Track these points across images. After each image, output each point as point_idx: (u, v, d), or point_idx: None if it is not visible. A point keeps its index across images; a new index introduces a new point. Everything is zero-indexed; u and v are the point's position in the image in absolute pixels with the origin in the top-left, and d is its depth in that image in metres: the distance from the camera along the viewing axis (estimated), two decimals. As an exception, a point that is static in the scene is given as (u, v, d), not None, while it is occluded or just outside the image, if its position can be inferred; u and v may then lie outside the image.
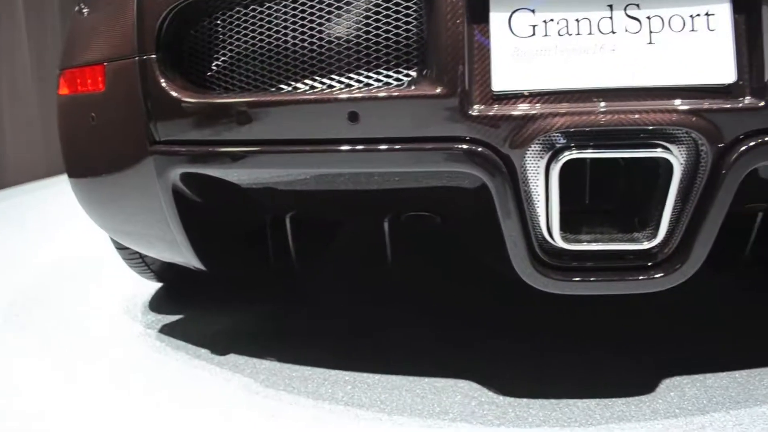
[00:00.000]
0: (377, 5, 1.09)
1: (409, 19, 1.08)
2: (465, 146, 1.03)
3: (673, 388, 1.28)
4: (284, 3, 1.14)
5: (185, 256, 1.38)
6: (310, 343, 1.56)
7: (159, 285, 2.00)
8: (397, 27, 1.09)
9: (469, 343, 1.51)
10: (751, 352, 1.40)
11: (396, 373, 1.38)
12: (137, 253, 1.72)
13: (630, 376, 1.32)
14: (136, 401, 1.32)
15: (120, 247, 1.72)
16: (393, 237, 1.34)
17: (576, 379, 1.32)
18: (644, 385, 1.29)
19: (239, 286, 1.94)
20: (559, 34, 1.02)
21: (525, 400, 1.25)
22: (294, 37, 1.14)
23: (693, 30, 1.02)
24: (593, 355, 1.42)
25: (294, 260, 1.45)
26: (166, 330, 1.68)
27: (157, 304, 1.88)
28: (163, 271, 1.84)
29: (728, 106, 1.01)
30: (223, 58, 1.22)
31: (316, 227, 1.61)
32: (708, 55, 1.01)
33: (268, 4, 1.16)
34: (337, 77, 1.12)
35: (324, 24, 1.12)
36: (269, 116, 1.14)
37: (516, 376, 1.34)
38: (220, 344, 1.56)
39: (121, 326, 1.73)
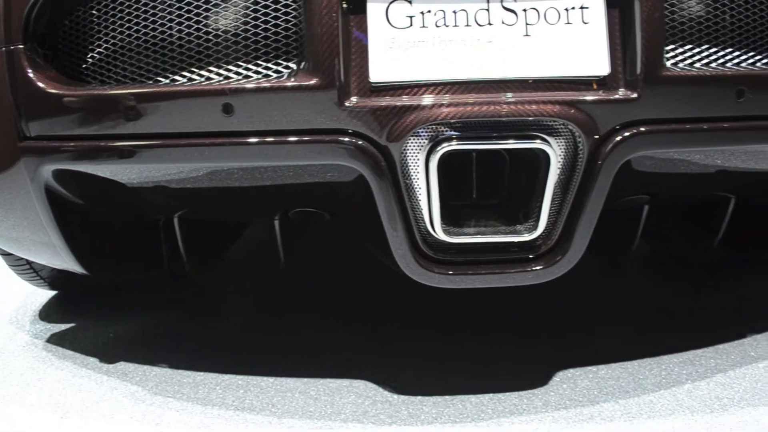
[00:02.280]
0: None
1: (287, 10, 1.05)
2: (342, 138, 1.01)
3: (566, 380, 1.29)
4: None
5: (65, 261, 1.30)
6: (205, 347, 1.50)
7: (53, 293, 1.90)
8: (276, 18, 1.05)
9: (366, 343, 1.49)
10: (643, 343, 1.43)
11: (290, 375, 1.34)
12: (23, 259, 1.62)
13: (525, 370, 1.33)
14: (12, 415, 1.24)
15: (3, 253, 1.62)
16: (285, 236, 1.30)
17: (471, 374, 1.32)
18: (538, 379, 1.29)
19: (137, 291, 1.86)
20: (437, 26, 1.01)
21: (419, 397, 1.24)
22: (171, 28, 1.09)
23: (568, 23, 1.02)
24: (489, 350, 1.43)
25: (186, 263, 1.39)
26: (55, 339, 1.58)
27: (47, 312, 1.77)
28: (54, 278, 1.74)
29: (602, 98, 1.02)
30: (98, 50, 1.16)
31: (213, 228, 1.55)
32: (583, 48, 1.02)
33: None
34: (215, 69, 1.08)
35: (202, 15, 1.08)
36: (145, 109, 1.08)
37: (412, 374, 1.33)
38: (110, 352, 1.49)
39: (4, 337, 1.63)
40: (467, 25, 1.01)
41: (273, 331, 1.59)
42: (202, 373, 1.37)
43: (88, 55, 1.18)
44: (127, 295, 1.85)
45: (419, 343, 1.47)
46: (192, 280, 1.57)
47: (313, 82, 1.00)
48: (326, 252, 2.10)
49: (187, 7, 1.08)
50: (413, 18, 1.02)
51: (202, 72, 1.09)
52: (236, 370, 1.37)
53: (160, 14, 1.10)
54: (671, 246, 1.77)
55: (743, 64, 1.12)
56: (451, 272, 1.06)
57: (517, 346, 1.44)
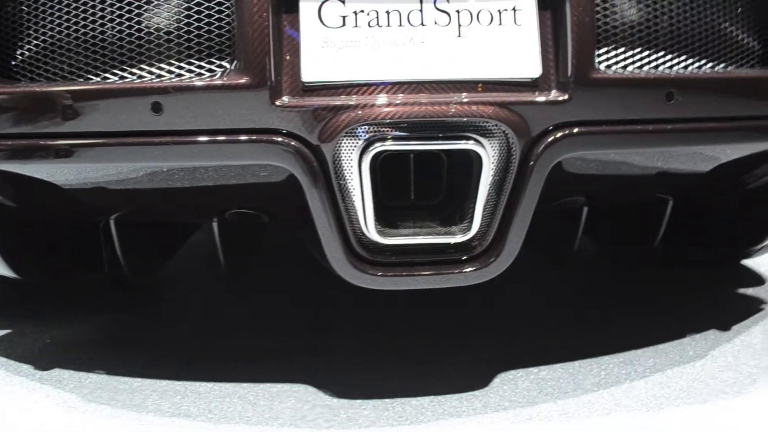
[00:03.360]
0: (188, -7, 1.04)
1: (220, 8, 1.03)
2: (274, 138, 1.00)
3: (507, 381, 1.29)
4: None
5: (-6, 264, 1.26)
6: (143, 353, 1.47)
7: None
8: (208, 17, 1.04)
9: (308, 346, 1.47)
10: (584, 344, 1.44)
11: (230, 380, 1.32)
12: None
13: (466, 372, 1.33)
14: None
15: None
16: (226, 238, 1.28)
17: (412, 377, 1.31)
18: (479, 380, 1.29)
19: (78, 295, 1.81)
20: (369, 26, 1.01)
21: (358, 401, 1.23)
22: (103, 25, 1.07)
23: (500, 24, 1.03)
24: (431, 352, 1.42)
25: (123, 267, 1.36)
26: (-13, 346, 1.54)
27: (-17, 318, 1.72)
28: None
29: (534, 99, 1.03)
30: (28, 46, 1.13)
31: (156, 231, 1.52)
32: (515, 50, 1.03)
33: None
34: (147, 68, 1.06)
35: (134, 12, 1.06)
36: (76, 108, 1.06)
37: (353, 377, 1.32)
38: (46, 359, 1.44)
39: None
40: (400, 26, 1.01)
41: (214, 336, 1.56)
42: (139, 380, 1.34)
43: (18, 52, 1.15)
44: (68, 299, 1.81)
45: (361, 347, 1.46)
46: (133, 284, 1.54)
47: (243, 81, 0.99)
48: (271, 254, 2.08)
49: (119, 4, 1.06)
50: (346, 18, 1.01)
51: (134, 70, 1.07)
52: (174, 376, 1.34)
53: (92, 11, 1.07)
54: (614, 245, 1.79)
55: (675, 68, 1.14)
56: (385, 274, 1.06)
57: (459, 348, 1.44)
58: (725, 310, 1.62)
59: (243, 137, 1.00)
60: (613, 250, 1.85)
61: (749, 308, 1.63)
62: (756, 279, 1.86)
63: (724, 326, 1.52)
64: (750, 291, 1.76)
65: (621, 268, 1.93)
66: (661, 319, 1.58)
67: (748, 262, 1.96)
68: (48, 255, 1.37)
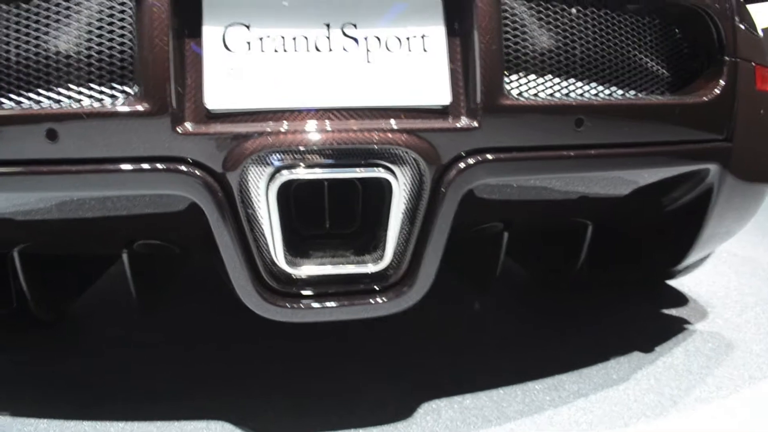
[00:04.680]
0: (89, 17, 1.00)
1: (121, 32, 1.00)
2: (176, 167, 0.96)
3: (430, 411, 1.27)
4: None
5: None
6: (52, 392, 1.38)
7: None
8: (109, 40, 1.00)
9: (225, 382, 1.42)
10: (508, 370, 1.43)
11: (144, 418, 1.25)
12: None
13: (388, 403, 1.30)
14: None
15: None
16: (137, 269, 1.23)
17: (333, 410, 1.27)
18: (402, 411, 1.27)
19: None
20: (275, 51, 0.99)
21: (276, 437, 1.18)
22: (1, 47, 1.02)
23: (409, 51, 1.02)
24: (353, 384, 1.38)
25: (30, 301, 1.29)
26: None
27: None
28: None
29: (444, 126, 1.02)
30: None
31: (68, 263, 1.46)
32: (424, 77, 1.02)
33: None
34: (45, 93, 1.01)
35: (33, 34, 1.01)
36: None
37: (272, 413, 1.27)
38: (-55, 400, 1.35)
39: None
40: (307, 52, 0.99)
41: (126, 372, 1.49)
42: (45, 421, 1.26)
43: None
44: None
45: (280, 381, 1.41)
46: (44, 319, 1.46)
47: (144, 107, 0.95)
48: (186, 284, 2.01)
49: (16, 26, 1.01)
50: (251, 43, 0.99)
51: (31, 95, 1.02)
52: (84, 415, 1.27)
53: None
54: (538, 269, 1.80)
55: (585, 95, 1.15)
56: (294, 305, 1.02)
57: (381, 378, 1.41)
58: (649, 332, 1.64)
59: (144, 166, 0.96)
60: (537, 274, 1.86)
61: (672, 329, 1.66)
62: (679, 299, 1.89)
63: (648, 348, 1.54)
64: (673, 311, 1.79)
65: (545, 292, 1.94)
66: (586, 342, 1.59)
67: (672, 283, 2.00)
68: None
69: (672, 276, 1.73)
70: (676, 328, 1.66)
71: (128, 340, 1.70)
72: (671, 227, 1.46)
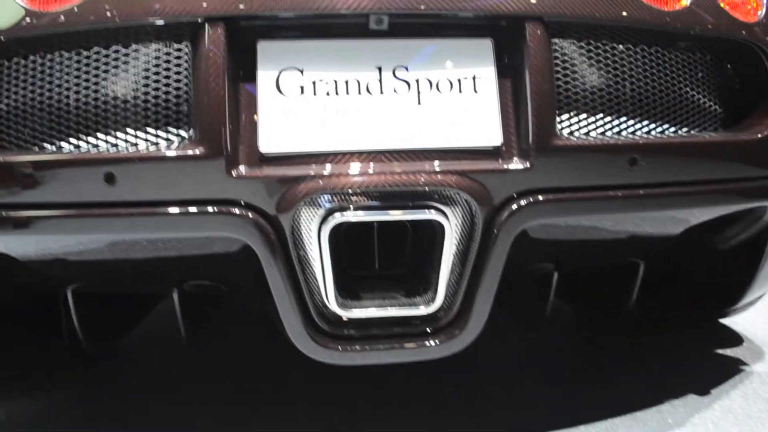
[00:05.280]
0: (146, 63, 1.03)
1: (178, 77, 1.02)
2: (230, 209, 0.97)
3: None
4: (49, 56, 1.06)
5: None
6: (104, 427, 1.40)
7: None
8: (166, 86, 1.03)
9: (274, 421, 1.40)
10: (562, 412, 1.39)
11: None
12: None
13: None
14: None
15: None
16: (187, 308, 1.24)
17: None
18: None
19: (37, 367, 1.74)
20: (328, 95, 1.00)
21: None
22: (60, 93, 1.06)
23: (460, 93, 1.03)
24: (395, 422, 1.35)
25: (82, 339, 1.30)
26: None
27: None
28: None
29: (496, 167, 1.01)
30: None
31: (117, 302, 1.48)
32: (475, 118, 1.02)
33: (32, 58, 1.07)
34: (103, 137, 1.04)
35: (92, 80, 1.05)
36: (31, 178, 1.03)
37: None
38: (-1, 435, 1.37)
39: None
40: (359, 95, 1.00)
41: (173, 411, 1.49)
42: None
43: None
44: (28, 371, 1.73)
45: (328, 419, 1.39)
46: (94, 355, 1.48)
47: (200, 151, 0.97)
48: (235, 322, 2.01)
49: (76, 73, 1.05)
50: (304, 87, 1.00)
51: (90, 139, 1.05)
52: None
53: (48, 78, 1.06)
54: (588, 308, 1.76)
55: (637, 133, 1.14)
56: (344, 348, 1.02)
57: (428, 421, 1.38)
58: (704, 373, 1.58)
59: (198, 209, 0.98)
60: (588, 313, 1.82)
61: (727, 370, 1.60)
62: (734, 339, 1.83)
63: (704, 391, 1.48)
64: (728, 351, 1.73)
65: (596, 331, 1.89)
66: (639, 383, 1.54)
67: (725, 321, 1.94)
68: (3, 325, 1.32)
69: (726, 314, 1.67)
70: (732, 369, 1.60)
71: (176, 377, 1.71)
72: (726, 266, 1.42)
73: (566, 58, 1.09)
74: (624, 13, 1.12)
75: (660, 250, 1.35)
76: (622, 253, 1.32)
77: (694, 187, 1.16)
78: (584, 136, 1.08)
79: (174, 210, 0.97)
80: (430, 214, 0.99)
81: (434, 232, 1.05)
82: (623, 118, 1.12)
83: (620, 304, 1.45)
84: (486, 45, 1.04)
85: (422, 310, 1.03)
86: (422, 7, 1.00)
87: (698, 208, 1.20)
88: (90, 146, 1.03)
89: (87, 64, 1.05)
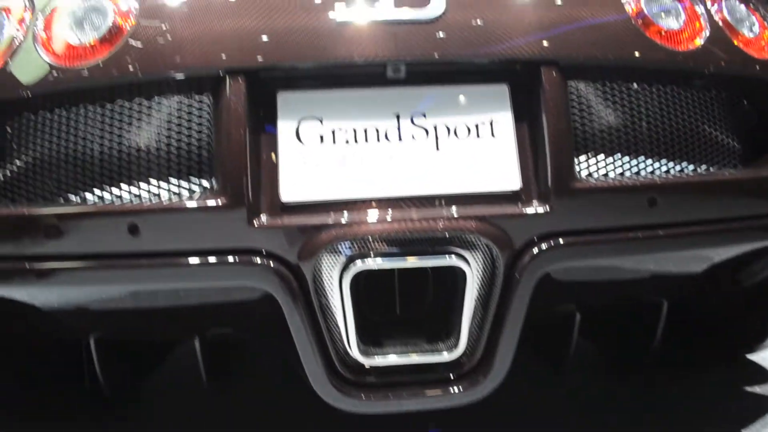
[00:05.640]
0: (168, 114, 1.05)
1: (199, 128, 1.04)
2: (251, 259, 0.98)
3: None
4: (74, 110, 1.09)
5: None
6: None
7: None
8: (189, 137, 1.05)
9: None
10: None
11: None
12: None
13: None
14: None
15: None
16: (208, 356, 1.24)
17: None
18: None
19: (55, 412, 1.74)
20: (347, 143, 1.01)
21: None
22: (84, 146, 1.08)
23: (478, 138, 1.03)
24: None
25: (103, 385, 1.30)
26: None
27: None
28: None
29: (515, 211, 1.01)
30: (11, 167, 1.14)
31: (137, 347, 1.48)
32: (494, 163, 1.03)
33: (58, 111, 1.10)
34: (126, 187, 1.06)
35: (116, 132, 1.07)
36: (55, 230, 1.05)
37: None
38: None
39: None
40: (378, 142, 1.02)
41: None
42: None
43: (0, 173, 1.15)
44: (48, 413, 1.73)
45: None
46: (114, 398, 1.48)
47: (221, 201, 0.98)
48: (257, 371, 2.00)
49: (99, 125, 1.07)
50: (324, 136, 1.01)
51: (113, 190, 1.06)
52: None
53: (73, 131, 1.08)
54: (612, 348, 1.73)
55: (656, 172, 1.14)
56: (368, 396, 1.01)
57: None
58: (733, 413, 1.55)
59: (220, 258, 0.98)
60: (611, 353, 1.79)
61: (758, 408, 1.56)
62: (762, 375, 1.79)
63: (733, 429, 1.45)
64: (757, 389, 1.69)
65: (622, 370, 1.86)
66: (666, 425, 1.51)
67: (754, 357, 1.90)
68: (25, 369, 1.32)
69: (753, 351, 1.64)
70: (763, 407, 1.57)
71: (195, 421, 1.70)
72: (753, 302, 1.40)
73: (582, 100, 1.10)
74: (638, 55, 1.12)
75: (683, 289, 1.34)
76: (644, 293, 1.30)
77: (715, 226, 1.15)
78: (603, 178, 1.08)
79: (196, 260, 0.98)
80: (451, 260, 0.99)
81: (455, 277, 1.04)
82: (641, 158, 1.12)
83: (645, 342, 1.43)
84: (502, 90, 1.05)
85: (445, 357, 1.02)
86: (438, 55, 1.01)
87: (721, 247, 1.19)
88: (114, 197, 1.05)
89: (111, 117, 1.07)
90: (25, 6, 1.12)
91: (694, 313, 1.52)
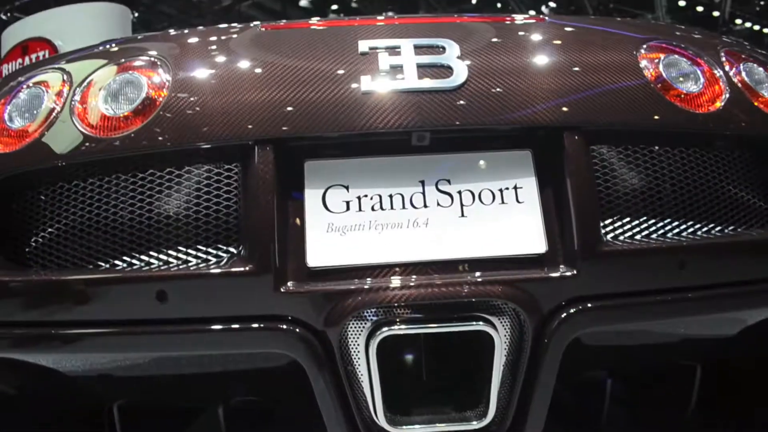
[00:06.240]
0: (198, 183, 1.08)
1: (228, 195, 1.06)
2: (277, 325, 0.98)
3: None
4: (105, 179, 1.11)
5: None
6: None
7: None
8: (217, 204, 1.06)
9: None
10: None
11: None
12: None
13: None
14: None
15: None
16: (233, 424, 1.22)
17: None
18: None
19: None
20: (373, 210, 1.02)
21: None
22: (115, 213, 1.10)
23: (503, 203, 1.04)
24: None
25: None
26: None
27: None
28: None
29: (542, 275, 1.01)
30: (43, 234, 1.16)
31: (164, 413, 1.47)
32: (519, 227, 1.03)
33: (91, 180, 1.13)
34: (155, 254, 1.07)
35: (146, 200, 1.09)
36: (83, 296, 1.06)
37: None
38: None
39: None
40: (403, 208, 1.03)
41: None
42: None
43: (32, 240, 1.17)
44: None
45: None
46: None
47: (248, 267, 0.99)
48: None
49: (131, 194, 1.10)
50: (350, 202, 1.03)
51: (142, 257, 1.08)
52: None
53: (105, 199, 1.11)
54: (645, 415, 1.68)
55: (683, 234, 1.13)
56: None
57: None
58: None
59: (247, 325, 0.99)
60: (644, 419, 1.74)
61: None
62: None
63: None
64: (799, 456, 1.62)
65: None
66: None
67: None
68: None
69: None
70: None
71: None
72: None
73: (606, 163, 1.10)
74: (659, 118, 1.13)
75: (718, 352, 1.30)
76: (677, 357, 1.27)
77: (746, 287, 1.13)
78: (629, 240, 1.07)
79: (223, 327, 0.98)
80: (478, 326, 0.98)
81: (483, 342, 1.03)
82: (667, 220, 1.12)
83: (681, 408, 1.39)
84: (525, 155, 1.06)
85: (474, 425, 1.00)
86: (461, 123, 1.03)
87: (753, 309, 1.17)
88: (143, 264, 1.06)
89: (142, 186, 1.09)
90: (63, 80, 1.17)
91: (732, 376, 1.48)
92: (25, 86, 1.19)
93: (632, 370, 1.32)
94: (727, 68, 1.22)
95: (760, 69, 1.25)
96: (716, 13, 12.86)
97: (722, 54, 1.24)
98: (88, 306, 1.05)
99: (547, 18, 1.29)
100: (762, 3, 13.24)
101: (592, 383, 1.25)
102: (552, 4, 12.89)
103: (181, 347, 1.01)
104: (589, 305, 1.01)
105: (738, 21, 13.91)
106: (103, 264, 1.09)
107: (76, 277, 1.07)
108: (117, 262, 1.09)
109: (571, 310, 1.00)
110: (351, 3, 13.04)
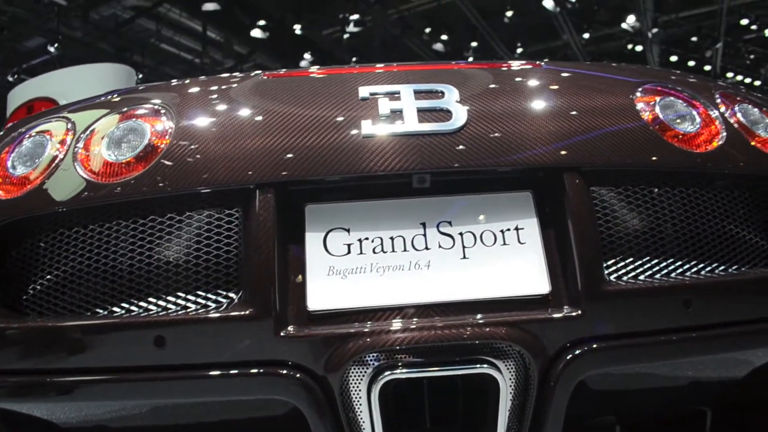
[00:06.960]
0: (198, 227, 1.07)
1: (228, 240, 1.06)
2: (277, 371, 0.96)
3: None
4: (107, 225, 1.11)
5: None
6: None
7: None
8: (217, 249, 1.06)
9: None
10: None
11: None
12: None
13: None
14: None
15: None
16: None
17: None
18: None
19: None
20: (374, 252, 1.02)
21: None
22: (114, 260, 1.09)
23: (505, 244, 1.03)
24: None
25: None
26: None
27: None
28: None
29: (546, 316, 0.99)
30: (41, 281, 1.15)
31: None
32: (521, 268, 1.02)
33: (91, 227, 1.13)
34: (154, 300, 1.06)
35: (146, 246, 1.09)
36: (80, 343, 1.04)
37: None
38: None
39: None
40: (405, 251, 1.02)
41: None
42: None
43: (30, 286, 1.16)
44: None
45: None
46: None
47: (248, 311, 0.98)
48: None
49: (131, 239, 1.09)
50: (351, 245, 1.02)
51: (141, 302, 1.06)
52: None
53: (105, 246, 1.10)
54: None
55: (687, 273, 1.12)
56: None
57: None
58: None
59: (246, 370, 0.97)
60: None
61: None
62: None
63: None
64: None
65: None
66: None
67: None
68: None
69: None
70: None
71: None
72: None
73: (606, 203, 1.10)
74: (657, 158, 1.14)
75: (727, 396, 1.27)
76: (685, 401, 1.24)
77: (752, 326, 1.11)
78: (633, 280, 1.06)
79: (222, 372, 0.96)
80: (482, 369, 0.96)
81: (488, 387, 1.01)
82: (670, 259, 1.11)
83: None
84: (526, 196, 1.06)
85: (481, 474, 0.97)
86: (462, 165, 1.04)
87: (759, 349, 1.15)
88: (142, 310, 1.05)
89: (142, 231, 1.09)
90: (67, 129, 1.18)
91: (743, 420, 1.44)
92: (28, 135, 1.20)
93: (641, 417, 1.29)
94: (722, 109, 1.23)
95: (755, 110, 1.27)
96: (708, 67, 13.16)
97: (717, 96, 1.26)
98: (85, 353, 1.03)
99: (543, 64, 1.32)
100: (752, 57, 13.56)
101: (601, 430, 1.21)
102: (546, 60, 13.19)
103: (179, 394, 0.99)
104: (595, 346, 0.99)
105: (729, 74, 14.22)
106: (101, 310, 1.08)
107: (74, 324, 1.05)
108: (116, 308, 1.08)
109: (577, 351, 0.98)
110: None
